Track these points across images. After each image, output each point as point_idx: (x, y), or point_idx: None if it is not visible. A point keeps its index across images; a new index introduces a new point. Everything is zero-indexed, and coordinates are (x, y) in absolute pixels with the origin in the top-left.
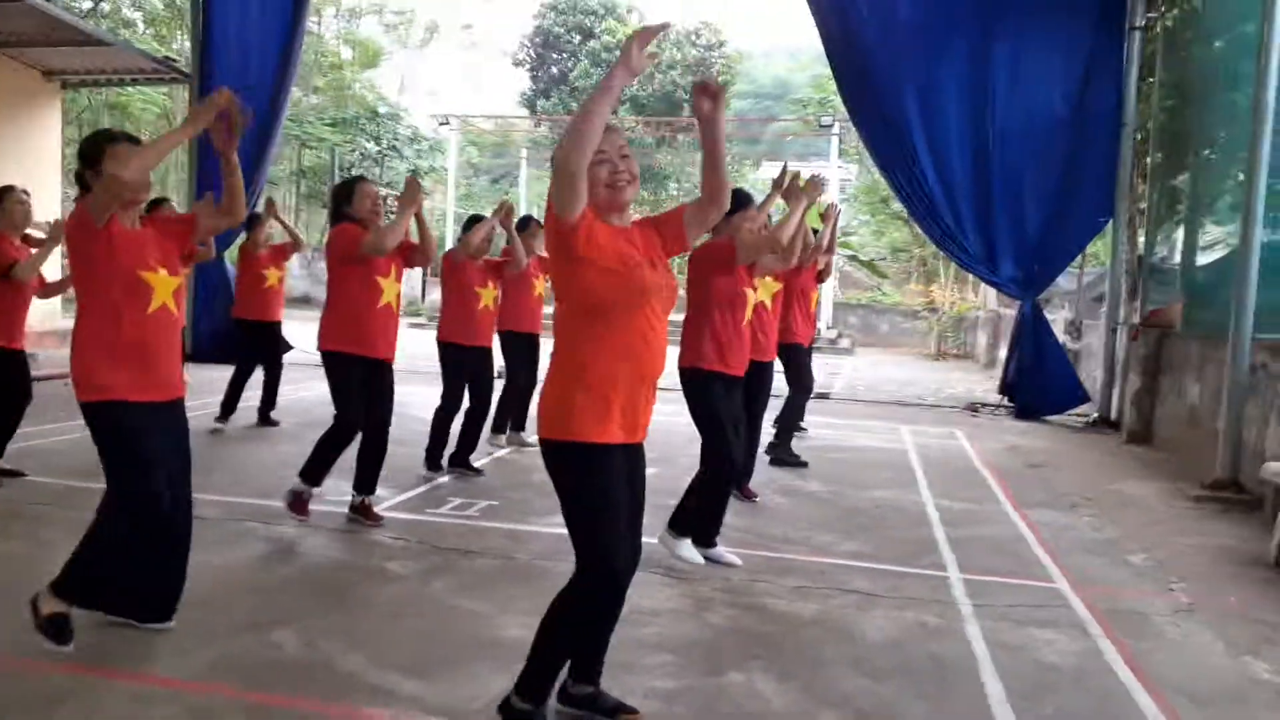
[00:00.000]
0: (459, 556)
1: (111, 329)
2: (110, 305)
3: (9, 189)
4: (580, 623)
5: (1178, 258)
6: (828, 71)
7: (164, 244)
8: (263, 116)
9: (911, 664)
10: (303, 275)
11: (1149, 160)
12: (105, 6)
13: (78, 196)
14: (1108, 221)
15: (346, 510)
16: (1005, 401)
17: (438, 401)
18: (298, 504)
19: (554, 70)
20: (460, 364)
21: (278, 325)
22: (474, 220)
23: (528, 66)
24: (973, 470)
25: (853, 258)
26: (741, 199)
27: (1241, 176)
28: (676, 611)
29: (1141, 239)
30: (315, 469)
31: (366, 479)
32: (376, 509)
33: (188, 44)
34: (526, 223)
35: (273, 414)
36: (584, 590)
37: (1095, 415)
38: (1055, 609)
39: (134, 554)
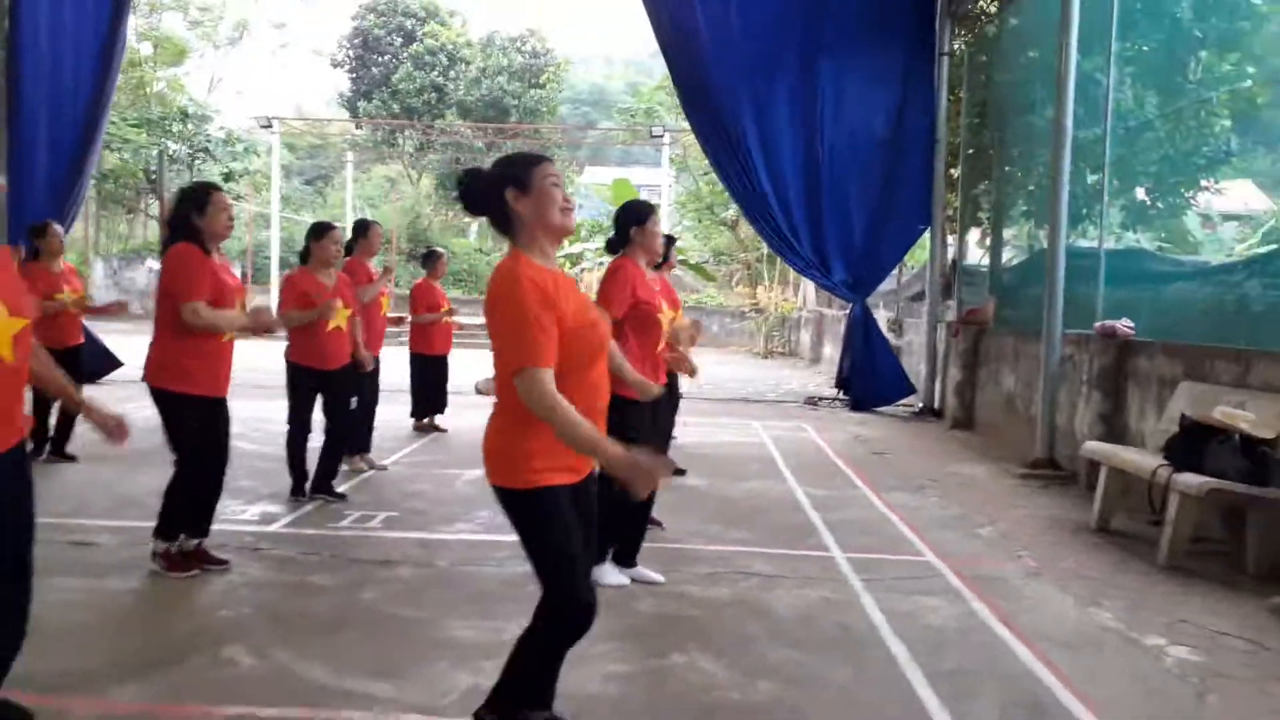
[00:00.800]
0: (377, 567)
1: None
2: None
3: None
4: (554, 650)
5: (979, 259)
6: (646, 80)
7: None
8: (79, 122)
9: (823, 635)
10: (108, 285)
11: (956, 173)
12: None
13: None
14: (926, 229)
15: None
16: (840, 395)
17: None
18: (177, 563)
19: (375, 72)
20: (309, 388)
21: (77, 349)
22: (320, 229)
23: (347, 68)
24: (827, 460)
25: (682, 261)
26: (644, 210)
27: (1032, 188)
28: (608, 604)
29: (953, 244)
30: (176, 523)
31: (204, 525)
32: (271, 527)
33: None
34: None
35: (67, 448)
36: (556, 624)
37: (920, 405)
38: (931, 579)
39: None
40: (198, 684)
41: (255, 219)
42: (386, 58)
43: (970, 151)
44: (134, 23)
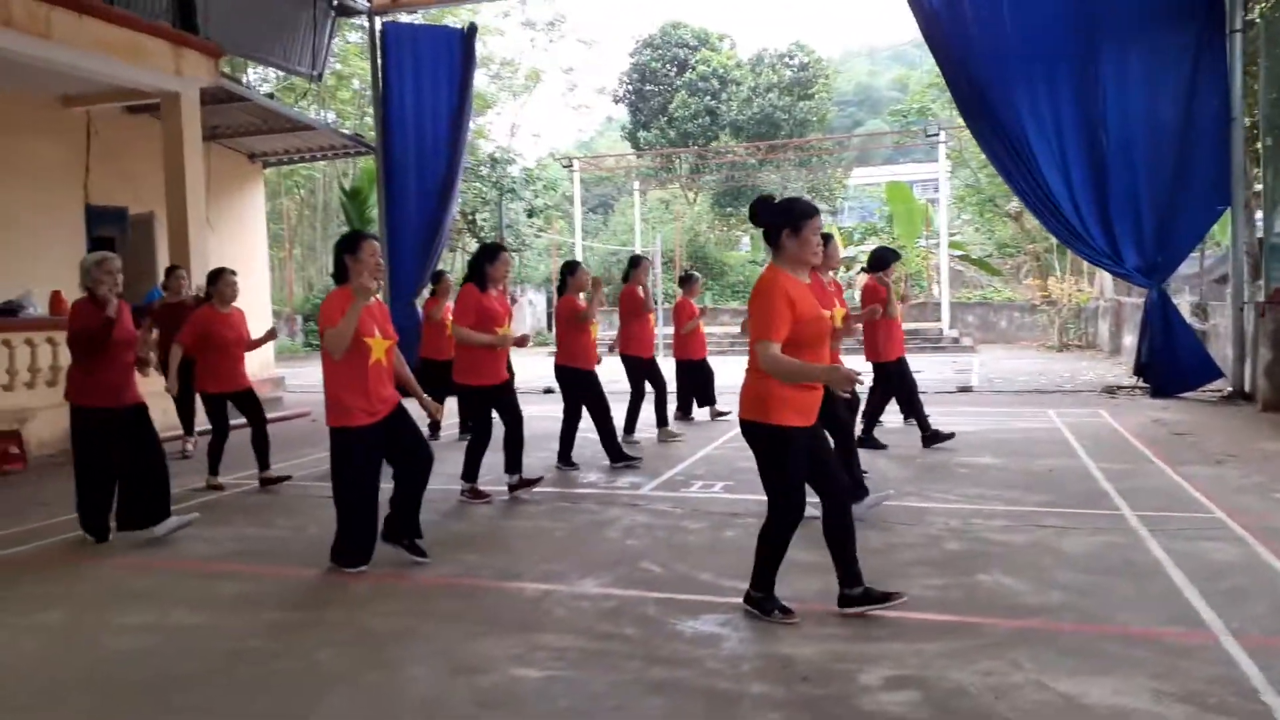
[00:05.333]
0: (730, 517)
1: None
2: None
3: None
4: (780, 540)
5: None
6: (911, 71)
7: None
8: (439, 177)
9: (1108, 565)
10: None
11: (1260, 147)
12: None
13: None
14: (1226, 209)
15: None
16: (1140, 383)
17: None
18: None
19: (653, 103)
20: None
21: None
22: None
23: (627, 102)
24: (1124, 440)
25: (964, 257)
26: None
27: None
28: (926, 537)
29: (1259, 221)
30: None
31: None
32: (641, 490)
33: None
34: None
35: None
36: (780, 523)
37: (1229, 389)
38: (1217, 530)
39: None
40: (628, 581)
41: (562, 247)
42: (662, 88)
43: (1274, 126)
44: None
